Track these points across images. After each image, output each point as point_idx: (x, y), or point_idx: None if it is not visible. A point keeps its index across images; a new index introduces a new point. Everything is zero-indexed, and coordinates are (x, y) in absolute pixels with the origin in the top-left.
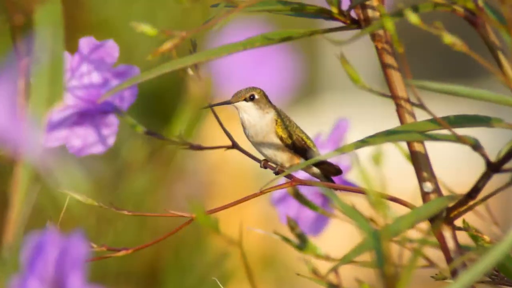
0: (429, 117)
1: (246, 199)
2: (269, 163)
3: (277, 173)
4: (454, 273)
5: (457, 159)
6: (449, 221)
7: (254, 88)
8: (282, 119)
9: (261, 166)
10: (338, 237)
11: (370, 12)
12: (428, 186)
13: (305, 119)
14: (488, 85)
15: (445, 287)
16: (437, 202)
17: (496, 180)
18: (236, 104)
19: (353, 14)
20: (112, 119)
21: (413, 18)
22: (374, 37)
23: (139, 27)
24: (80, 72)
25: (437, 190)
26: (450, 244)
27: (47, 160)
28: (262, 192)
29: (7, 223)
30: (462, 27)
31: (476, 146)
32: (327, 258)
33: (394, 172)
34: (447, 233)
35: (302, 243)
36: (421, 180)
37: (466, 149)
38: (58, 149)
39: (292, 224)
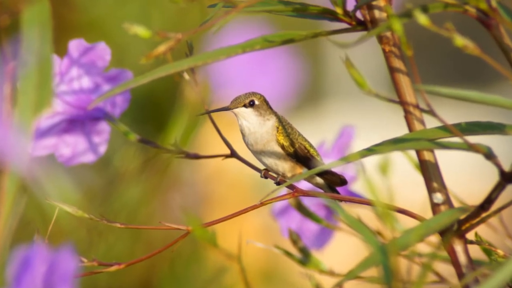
0: (439, 124)
1: (245, 211)
2: (269, 172)
3: (278, 183)
4: None
5: (469, 169)
6: (461, 234)
7: (254, 94)
8: (284, 126)
9: (261, 176)
10: (342, 251)
11: (377, 13)
12: (438, 197)
13: (308, 126)
14: (502, 90)
15: None
16: (447, 214)
17: (510, 190)
18: (235, 110)
19: (358, 15)
20: (104, 126)
21: (422, 19)
22: (381, 39)
23: (132, 28)
24: (70, 76)
25: (447, 201)
26: (462, 258)
27: (34, 169)
28: (262, 204)
29: None
30: (474, 28)
31: (489, 154)
32: (331, 273)
33: (402, 182)
34: (458, 247)
35: (305, 258)
36: (431, 190)
37: (479, 158)
38: (46, 158)
39: (294, 237)
